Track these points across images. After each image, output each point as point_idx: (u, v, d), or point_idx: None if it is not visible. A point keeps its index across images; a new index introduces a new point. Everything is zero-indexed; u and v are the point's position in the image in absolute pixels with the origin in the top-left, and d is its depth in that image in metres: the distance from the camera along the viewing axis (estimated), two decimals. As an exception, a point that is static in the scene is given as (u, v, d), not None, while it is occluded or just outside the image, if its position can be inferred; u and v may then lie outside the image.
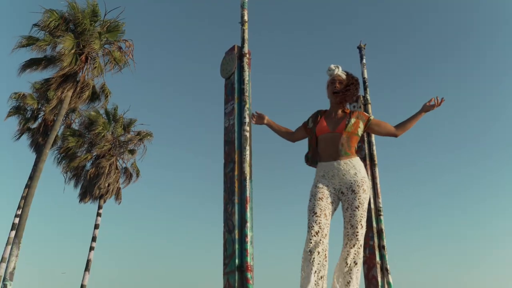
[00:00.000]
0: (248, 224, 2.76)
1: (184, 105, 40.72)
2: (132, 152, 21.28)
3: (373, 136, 3.96)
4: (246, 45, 3.27)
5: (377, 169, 3.80)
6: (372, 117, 3.25)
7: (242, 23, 3.34)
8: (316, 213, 2.87)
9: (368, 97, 4.09)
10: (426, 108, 3.16)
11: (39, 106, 20.46)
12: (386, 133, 3.23)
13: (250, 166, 2.94)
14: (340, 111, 3.21)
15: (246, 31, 3.31)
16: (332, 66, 3.23)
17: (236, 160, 2.96)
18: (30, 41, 15.31)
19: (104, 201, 20.85)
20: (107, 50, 16.28)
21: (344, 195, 2.99)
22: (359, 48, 4.33)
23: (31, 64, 15.73)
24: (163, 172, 33.87)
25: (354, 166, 3.02)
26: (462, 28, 38.24)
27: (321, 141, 3.16)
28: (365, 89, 4.15)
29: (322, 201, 2.93)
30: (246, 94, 3.11)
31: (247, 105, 3.08)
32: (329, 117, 3.20)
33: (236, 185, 2.89)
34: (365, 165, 3.77)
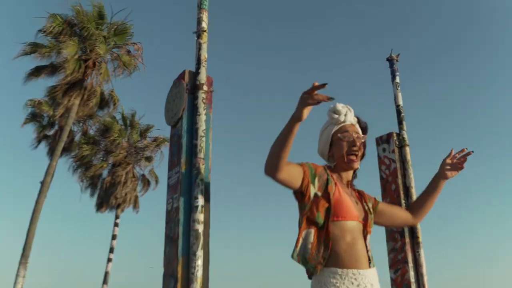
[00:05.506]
0: None
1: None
2: (149, 159, 20.40)
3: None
4: (203, 70, 1.96)
5: (422, 252, 2.42)
6: (380, 202, 1.99)
7: (198, 33, 2.05)
8: None
9: (405, 136, 2.69)
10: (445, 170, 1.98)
11: (55, 113, 19.80)
12: (398, 224, 2.16)
13: (205, 285, 1.68)
14: (351, 187, 1.94)
15: (205, 47, 2.02)
16: (340, 106, 1.88)
17: (180, 277, 1.69)
18: (33, 48, 14.42)
19: (122, 211, 20.12)
20: (116, 54, 15.25)
21: None
22: (390, 60, 2.89)
23: (36, 71, 14.86)
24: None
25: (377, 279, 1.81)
26: (468, 31, 35.89)
27: (347, 233, 1.75)
28: (400, 123, 2.73)
29: None
30: (201, 155, 1.82)
31: (201, 175, 1.79)
32: (343, 190, 1.84)
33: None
34: (403, 244, 2.43)
